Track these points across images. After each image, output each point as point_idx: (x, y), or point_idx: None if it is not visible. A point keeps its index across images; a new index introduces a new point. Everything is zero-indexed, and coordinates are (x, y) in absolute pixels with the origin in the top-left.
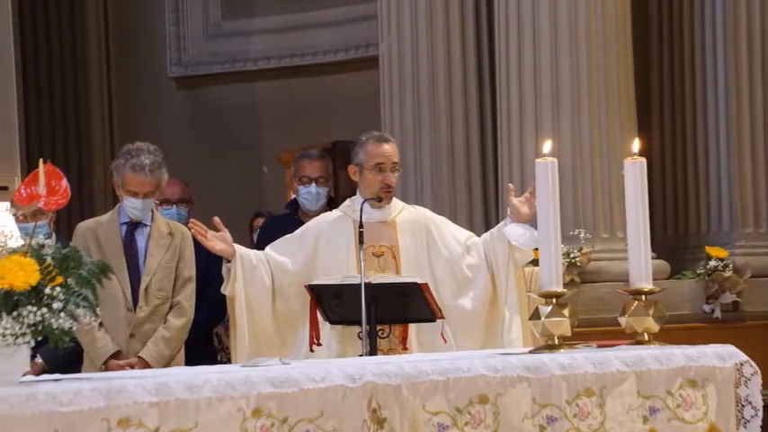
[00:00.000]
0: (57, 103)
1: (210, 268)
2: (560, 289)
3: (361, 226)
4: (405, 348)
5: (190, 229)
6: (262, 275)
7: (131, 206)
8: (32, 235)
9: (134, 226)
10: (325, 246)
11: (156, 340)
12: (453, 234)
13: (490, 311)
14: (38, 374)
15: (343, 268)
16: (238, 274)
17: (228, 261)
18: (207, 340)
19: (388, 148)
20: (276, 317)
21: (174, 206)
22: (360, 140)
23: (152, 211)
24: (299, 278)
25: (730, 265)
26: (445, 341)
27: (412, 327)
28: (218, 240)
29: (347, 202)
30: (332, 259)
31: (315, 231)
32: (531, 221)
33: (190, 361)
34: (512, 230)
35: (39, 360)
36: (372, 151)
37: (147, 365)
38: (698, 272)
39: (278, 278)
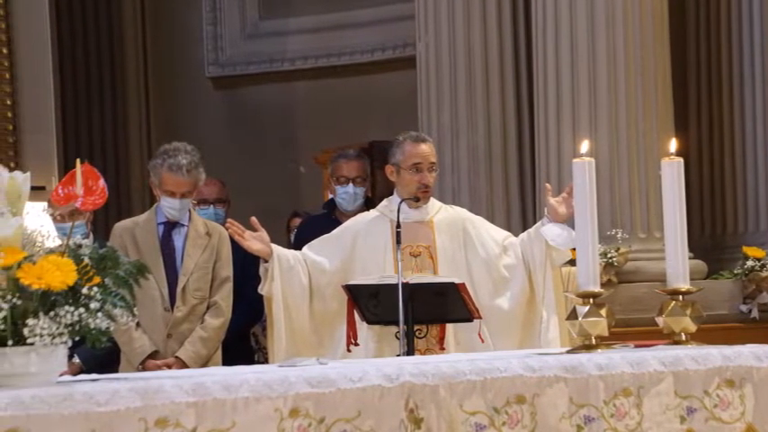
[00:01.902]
0: (94, 104)
1: (248, 268)
2: (597, 289)
3: (398, 226)
4: (442, 348)
5: (227, 229)
6: (299, 275)
7: (168, 206)
8: (70, 235)
9: (171, 226)
10: (363, 246)
11: (194, 340)
12: (491, 234)
13: (527, 311)
14: (75, 374)
15: (381, 268)
16: (276, 274)
17: (266, 261)
18: (244, 340)
19: (426, 148)
20: (313, 317)
21: (212, 206)
22: (397, 140)
23: (189, 211)
24: (337, 278)
25: None
26: (482, 341)
27: (449, 327)
28: (256, 240)
29: (384, 202)
30: (369, 259)
31: (352, 231)
32: (569, 221)
33: (227, 361)
34: (549, 230)
35: (76, 360)
36: (410, 151)
37: (184, 365)
38: (735, 272)
39: (315, 278)
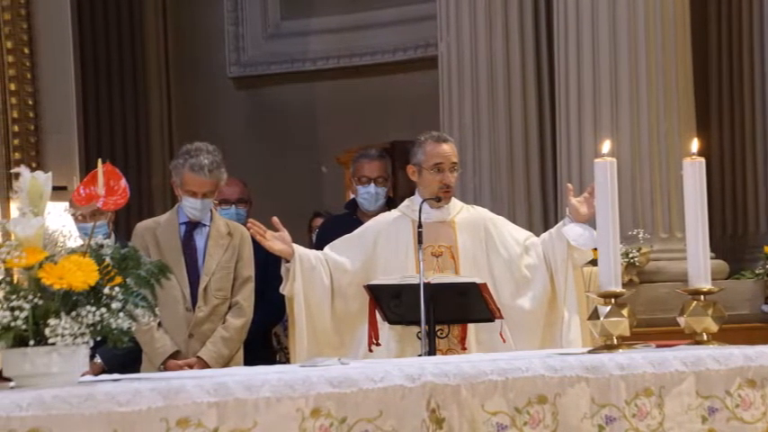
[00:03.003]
0: (116, 104)
1: (269, 268)
2: (619, 289)
3: (419, 226)
4: (463, 348)
5: (249, 229)
6: (321, 275)
7: (190, 206)
8: (91, 235)
9: (193, 226)
10: (384, 246)
11: (215, 340)
12: (512, 234)
13: (549, 312)
14: (97, 374)
15: (402, 268)
16: (297, 275)
17: (287, 261)
18: (266, 340)
19: (447, 148)
20: (335, 317)
21: (233, 206)
22: (418, 140)
23: (211, 211)
24: (358, 278)
25: None
26: (504, 341)
27: (471, 327)
28: (277, 240)
29: (406, 202)
30: (391, 259)
31: (374, 231)
32: (590, 221)
33: (249, 361)
34: (571, 230)
35: (98, 360)
36: (431, 151)
37: (205, 365)
38: (756, 272)
39: (337, 278)
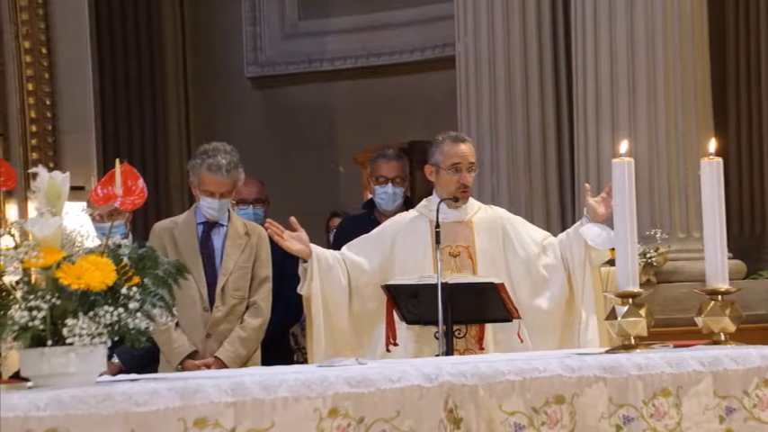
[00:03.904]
0: (133, 104)
1: (287, 268)
2: (637, 289)
3: (437, 226)
4: (481, 348)
5: (266, 229)
6: (338, 275)
7: (208, 206)
8: (109, 235)
9: (210, 226)
10: (402, 246)
11: (233, 340)
12: (530, 234)
13: (566, 312)
14: (114, 374)
15: (420, 268)
16: (315, 274)
17: (305, 261)
18: (283, 340)
19: (465, 148)
20: (353, 317)
21: (251, 206)
22: (436, 140)
23: (228, 211)
24: (376, 278)
25: None
26: (522, 341)
27: (488, 327)
28: (295, 240)
29: (423, 202)
30: (408, 259)
31: (391, 231)
32: (608, 221)
33: (266, 361)
34: (588, 230)
35: (115, 360)
36: (449, 151)
37: (223, 365)
38: None
39: (354, 278)
